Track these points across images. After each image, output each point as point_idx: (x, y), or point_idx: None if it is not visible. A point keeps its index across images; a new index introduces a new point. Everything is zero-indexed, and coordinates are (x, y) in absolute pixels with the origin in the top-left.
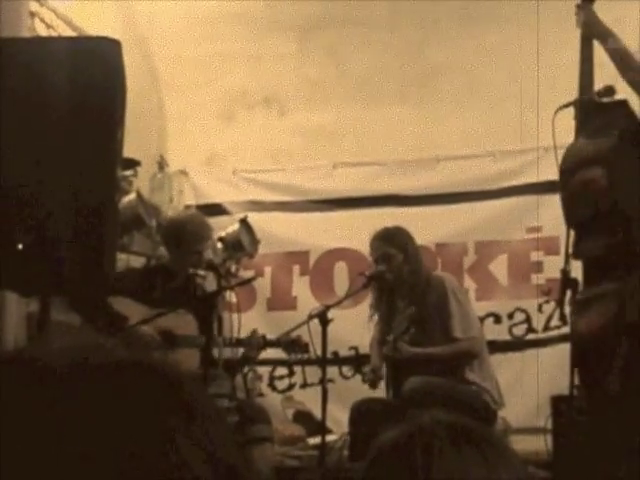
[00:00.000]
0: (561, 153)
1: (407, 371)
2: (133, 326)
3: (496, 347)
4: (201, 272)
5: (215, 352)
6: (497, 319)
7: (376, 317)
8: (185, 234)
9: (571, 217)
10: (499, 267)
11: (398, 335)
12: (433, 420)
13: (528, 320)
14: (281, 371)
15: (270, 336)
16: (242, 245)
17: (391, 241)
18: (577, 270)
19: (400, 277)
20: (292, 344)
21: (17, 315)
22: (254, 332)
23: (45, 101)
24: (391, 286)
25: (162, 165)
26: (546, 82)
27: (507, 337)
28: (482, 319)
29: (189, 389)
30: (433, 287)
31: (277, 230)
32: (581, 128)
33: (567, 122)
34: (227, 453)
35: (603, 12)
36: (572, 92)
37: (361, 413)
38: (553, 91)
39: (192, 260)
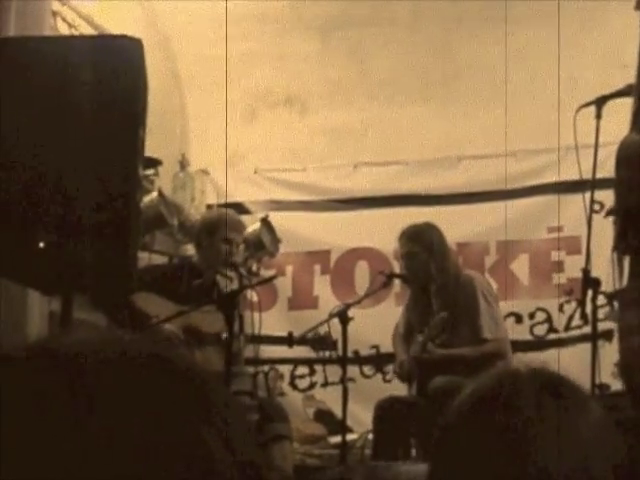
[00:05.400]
0: (582, 153)
1: (432, 370)
2: (156, 324)
3: (517, 347)
4: (227, 272)
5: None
6: (518, 319)
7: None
8: (221, 222)
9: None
10: (520, 266)
11: (430, 337)
12: (522, 371)
13: (549, 320)
14: (302, 370)
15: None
16: (263, 244)
17: (416, 239)
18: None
19: (426, 276)
20: (320, 341)
21: (39, 314)
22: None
23: (67, 100)
24: (417, 285)
25: (184, 164)
26: (568, 82)
27: (528, 337)
28: (504, 318)
29: (210, 383)
30: (462, 286)
31: (298, 229)
32: (635, 120)
33: (589, 122)
34: (247, 447)
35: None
36: (593, 91)
37: (386, 411)
38: (575, 91)
39: (223, 251)
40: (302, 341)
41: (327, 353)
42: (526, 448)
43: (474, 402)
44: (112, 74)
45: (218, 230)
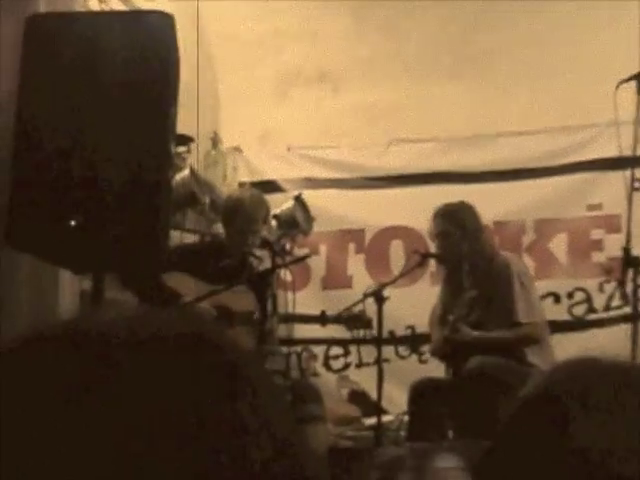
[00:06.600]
0: (622, 129)
1: (467, 350)
2: (189, 303)
3: (555, 327)
4: (257, 253)
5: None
6: (556, 299)
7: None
8: (240, 213)
9: None
10: (559, 245)
11: (459, 317)
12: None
13: (588, 300)
14: (336, 350)
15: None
16: (297, 223)
17: (449, 218)
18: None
19: (458, 255)
20: (354, 319)
21: (70, 293)
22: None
23: (97, 77)
24: (450, 265)
25: (216, 142)
26: (605, 57)
27: (567, 317)
28: (541, 299)
29: (245, 360)
30: (497, 268)
31: (332, 208)
32: None
33: (628, 97)
34: (283, 425)
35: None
36: (630, 66)
37: (421, 392)
38: (612, 66)
39: (246, 239)
40: (336, 320)
41: (361, 332)
42: (598, 451)
43: (542, 394)
44: (143, 50)
45: (238, 219)
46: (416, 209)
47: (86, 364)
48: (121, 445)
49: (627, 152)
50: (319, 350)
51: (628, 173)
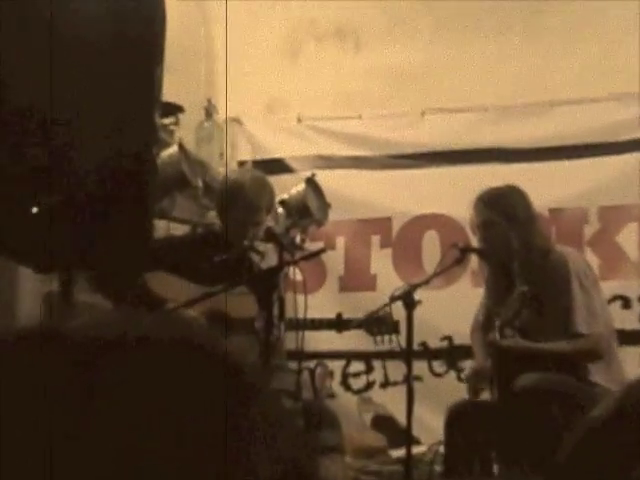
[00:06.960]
0: None
1: (517, 365)
2: (174, 309)
3: (625, 338)
4: (259, 247)
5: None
6: (626, 303)
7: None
8: (240, 198)
9: None
10: (628, 238)
11: (507, 319)
12: None
13: None
14: (357, 366)
15: None
16: (309, 210)
17: (495, 205)
18: None
19: (506, 250)
20: (377, 323)
21: (32, 296)
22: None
23: (71, 34)
24: (496, 261)
25: (210, 112)
26: None
27: (638, 326)
28: (608, 303)
29: (248, 374)
30: (552, 265)
31: (352, 192)
32: None
33: None
34: (293, 450)
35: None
36: None
37: (460, 417)
38: None
39: (247, 231)
40: (354, 324)
41: (387, 339)
42: None
43: (614, 418)
44: (124, 3)
45: (238, 209)
46: (454, 194)
47: (66, 371)
48: (102, 458)
49: None
50: (336, 366)
51: None
